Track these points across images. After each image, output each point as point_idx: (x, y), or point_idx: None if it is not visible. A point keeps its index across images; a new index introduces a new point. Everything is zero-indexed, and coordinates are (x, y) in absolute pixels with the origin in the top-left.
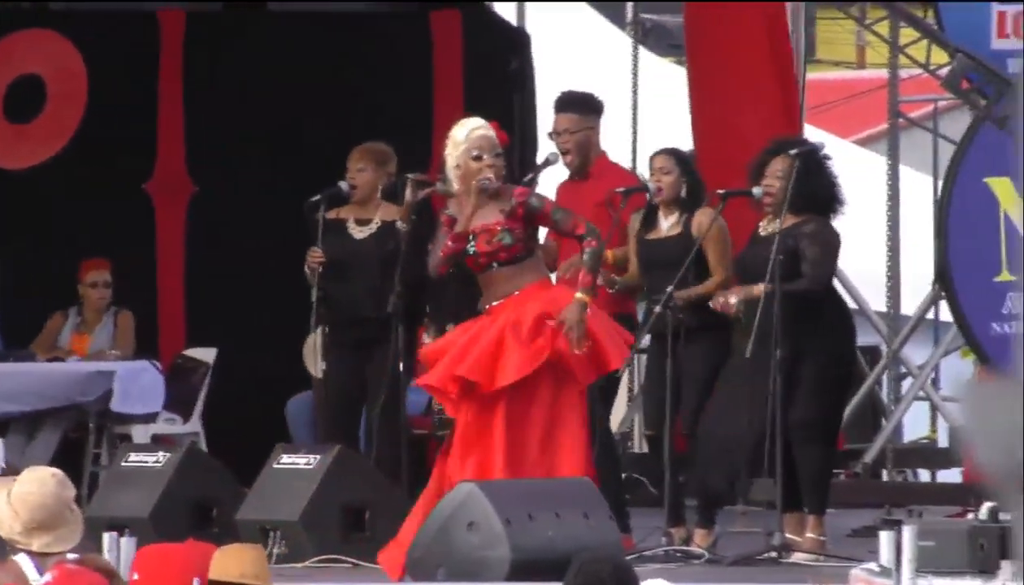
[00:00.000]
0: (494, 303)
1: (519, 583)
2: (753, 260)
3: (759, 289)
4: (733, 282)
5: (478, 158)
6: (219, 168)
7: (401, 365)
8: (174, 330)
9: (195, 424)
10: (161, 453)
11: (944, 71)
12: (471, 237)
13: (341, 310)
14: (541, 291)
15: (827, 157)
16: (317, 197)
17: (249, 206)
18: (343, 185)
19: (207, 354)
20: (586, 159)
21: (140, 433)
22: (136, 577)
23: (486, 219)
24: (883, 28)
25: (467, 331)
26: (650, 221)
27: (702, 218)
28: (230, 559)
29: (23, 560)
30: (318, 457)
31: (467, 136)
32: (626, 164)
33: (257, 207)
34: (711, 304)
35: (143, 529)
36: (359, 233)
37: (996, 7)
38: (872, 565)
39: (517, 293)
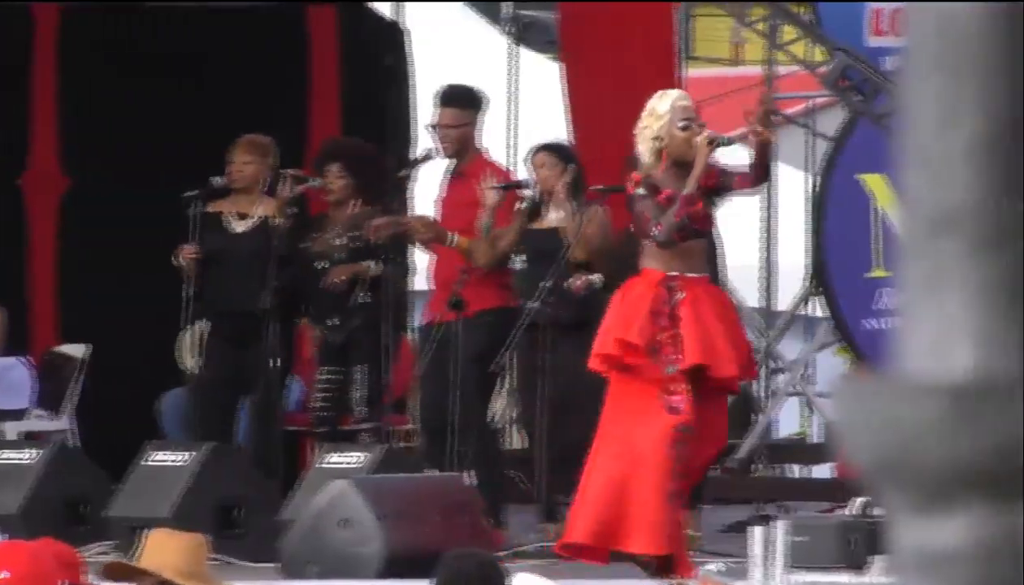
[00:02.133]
0: (690, 274)
1: (391, 580)
2: (627, 254)
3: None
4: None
5: (686, 128)
6: (93, 163)
7: (278, 360)
8: (46, 325)
9: (67, 420)
10: (31, 450)
11: (822, 69)
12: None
13: (218, 304)
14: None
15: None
16: (193, 192)
17: (123, 201)
18: (216, 180)
19: (79, 350)
20: (464, 155)
21: (10, 430)
22: (7, 576)
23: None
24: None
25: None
26: (536, 214)
27: (590, 225)
28: (167, 551)
29: None
30: (191, 453)
31: (671, 105)
32: (504, 160)
33: (131, 202)
34: (568, 284)
35: (14, 526)
36: (238, 227)
37: (871, 5)
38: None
39: (705, 274)
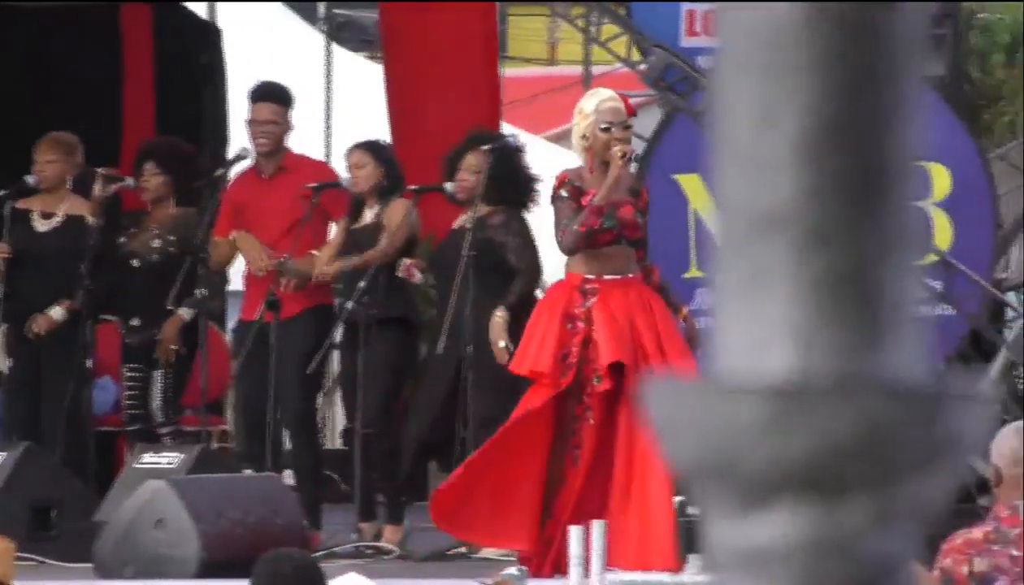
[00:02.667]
0: (607, 276)
1: (207, 581)
2: (447, 254)
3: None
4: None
5: (607, 130)
6: None
7: (88, 360)
8: None
9: None
10: None
11: (641, 67)
12: (611, 208)
13: (24, 304)
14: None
15: (521, 151)
16: (4, 191)
17: None
18: (29, 178)
19: None
20: (279, 152)
21: None
22: None
23: (619, 194)
24: (583, 23)
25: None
26: (356, 213)
27: (393, 209)
28: None
29: None
30: (3, 454)
31: (596, 107)
32: (320, 158)
33: None
34: (398, 271)
35: None
36: (42, 226)
37: (685, 6)
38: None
39: (631, 276)
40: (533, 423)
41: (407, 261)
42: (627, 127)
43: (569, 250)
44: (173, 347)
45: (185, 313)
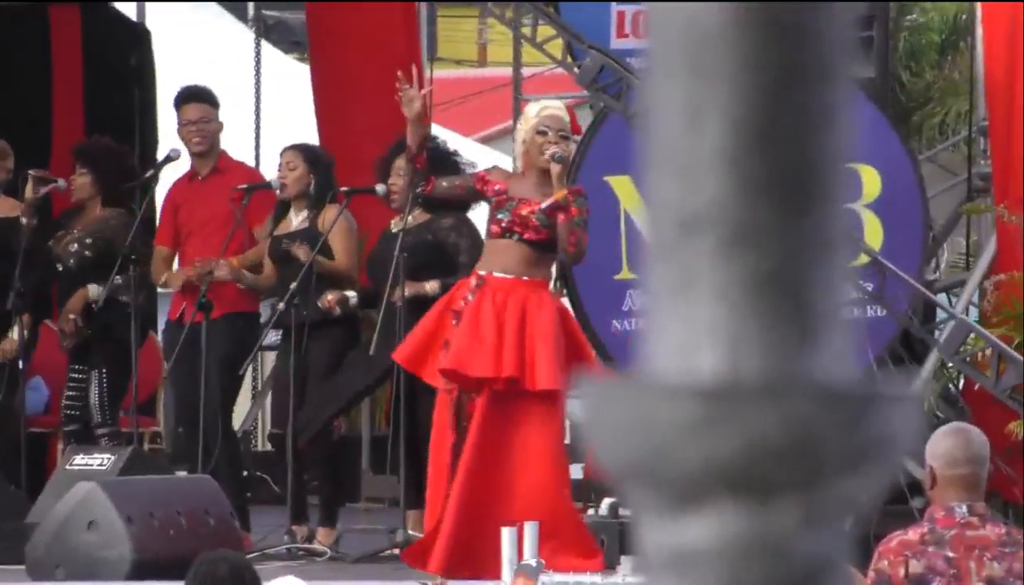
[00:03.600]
0: (497, 273)
1: (140, 582)
2: (383, 256)
3: (430, 286)
4: (351, 276)
5: (543, 133)
6: None
7: (20, 361)
8: None
9: None
10: None
11: (575, 69)
12: (511, 202)
13: None
14: (559, 307)
15: (454, 151)
16: None
17: None
18: None
19: None
20: (213, 153)
21: None
22: None
23: (532, 195)
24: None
25: (477, 314)
26: (281, 217)
27: (328, 214)
28: None
29: None
30: None
31: (538, 112)
32: (250, 161)
33: None
34: (319, 302)
35: None
36: None
37: (615, 7)
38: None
39: (526, 279)
40: (439, 435)
41: (330, 297)
42: (564, 137)
43: (418, 197)
44: (72, 316)
45: (92, 290)
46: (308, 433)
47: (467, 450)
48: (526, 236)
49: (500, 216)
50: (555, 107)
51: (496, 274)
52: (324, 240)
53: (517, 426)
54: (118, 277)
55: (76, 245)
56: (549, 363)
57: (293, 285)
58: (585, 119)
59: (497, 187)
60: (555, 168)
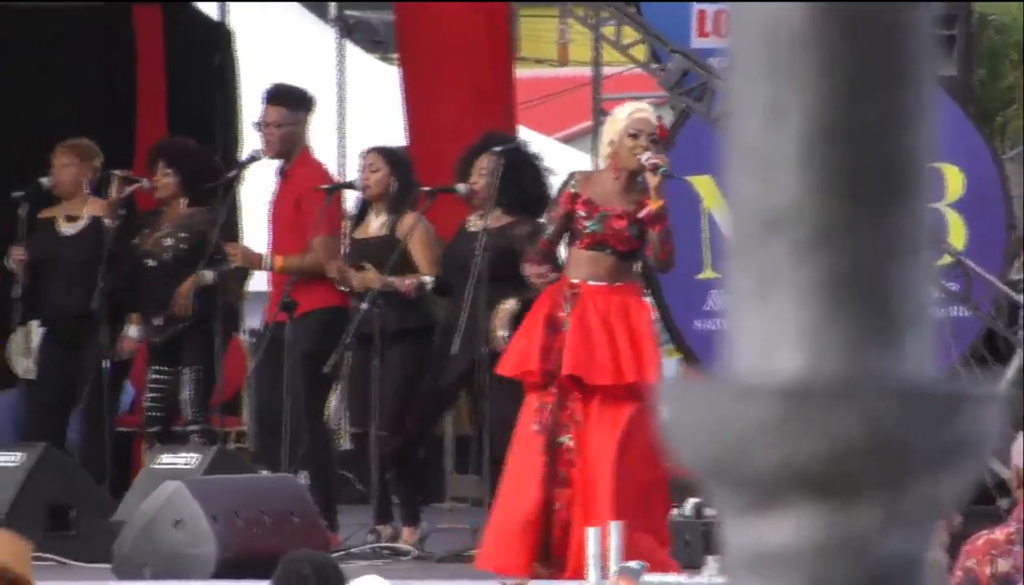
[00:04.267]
0: (591, 282)
1: (225, 581)
2: (459, 255)
3: (510, 305)
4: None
5: (634, 136)
6: None
7: (107, 362)
8: None
9: None
10: None
11: (660, 72)
12: (601, 214)
13: (48, 307)
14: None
15: (535, 155)
16: (20, 193)
17: None
18: (44, 181)
19: None
20: (290, 155)
21: None
22: None
23: (624, 204)
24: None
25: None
26: (360, 219)
27: (410, 221)
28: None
29: None
30: (22, 454)
31: (628, 115)
32: (332, 160)
33: None
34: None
35: None
36: (67, 230)
37: (696, 6)
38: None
39: (619, 285)
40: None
41: (407, 281)
42: (654, 141)
43: (540, 250)
44: (183, 302)
45: (207, 275)
46: (404, 439)
47: (585, 453)
48: (618, 248)
49: (591, 229)
50: (645, 110)
51: (590, 282)
52: (404, 249)
53: (625, 426)
54: (208, 273)
55: (170, 239)
56: (656, 362)
57: (374, 289)
58: (666, 119)
59: (584, 199)
60: (654, 179)
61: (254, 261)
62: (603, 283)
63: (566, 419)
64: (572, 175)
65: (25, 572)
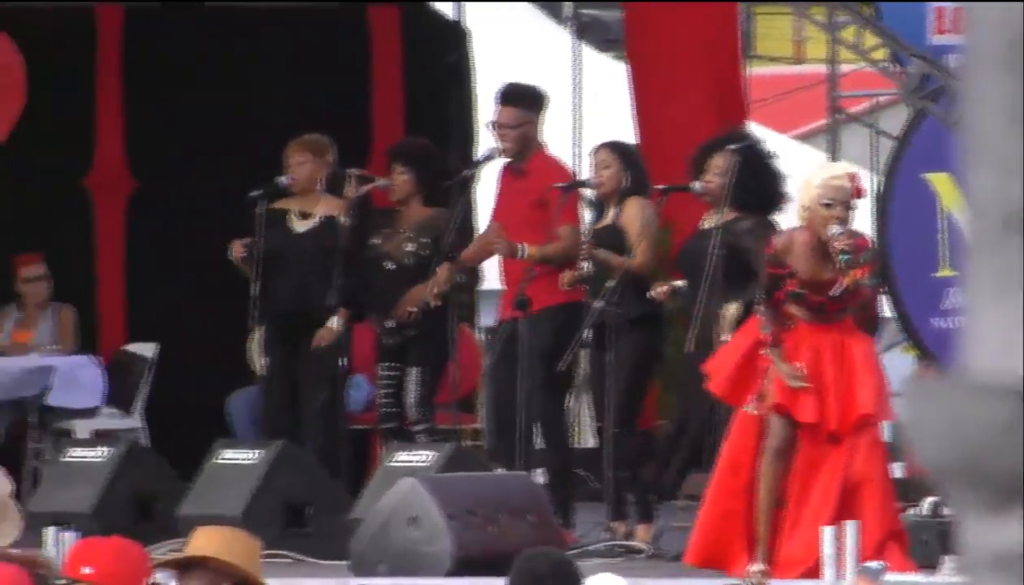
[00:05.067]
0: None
1: (461, 578)
2: (693, 253)
3: (733, 308)
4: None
5: (828, 206)
6: (159, 163)
7: (344, 359)
8: (114, 325)
9: (137, 419)
10: (103, 448)
11: (895, 70)
12: (798, 294)
13: (278, 304)
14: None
15: (770, 153)
16: (257, 192)
17: (189, 201)
18: (282, 179)
19: (148, 349)
20: (524, 154)
21: (82, 428)
22: (89, 571)
23: (824, 271)
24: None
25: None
26: (598, 214)
27: (632, 208)
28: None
29: None
30: (260, 452)
31: (822, 182)
32: (568, 158)
33: (197, 202)
34: (649, 293)
35: (85, 524)
36: (300, 226)
37: (934, 4)
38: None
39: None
40: (735, 454)
41: (660, 289)
42: (850, 208)
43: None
44: (436, 291)
45: (457, 264)
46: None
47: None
48: (826, 307)
49: (795, 296)
50: (839, 177)
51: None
52: (624, 236)
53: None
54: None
55: (411, 244)
56: (873, 389)
57: (610, 283)
58: (903, 115)
59: (787, 270)
60: (840, 261)
61: (512, 250)
62: (815, 324)
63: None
64: (777, 241)
65: (254, 571)
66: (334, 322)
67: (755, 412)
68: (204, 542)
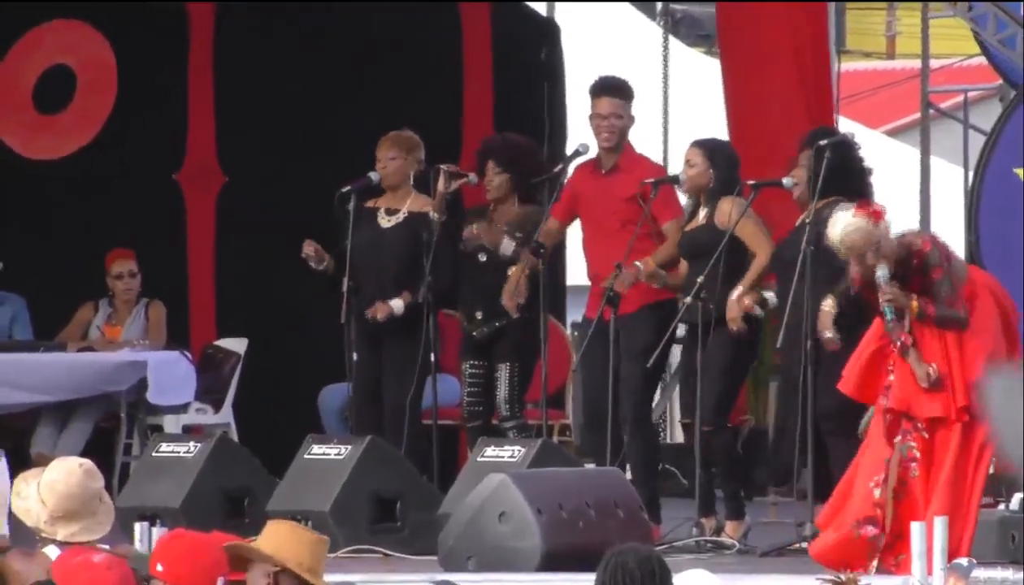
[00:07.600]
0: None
1: (550, 573)
2: (787, 249)
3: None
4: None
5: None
6: (250, 158)
7: (432, 354)
8: (205, 320)
9: (226, 414)
10: (192, 443)
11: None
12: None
13: (367, 299)
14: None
15: (858, 148)
16: (348, 188)
17: (279, 196)
18: (373, 175)
19: (238, 344)
20: (619, 146)
21: (171, 423)
22: (160, 568)
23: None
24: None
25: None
26: (692, 213)
27: (727, 207)
28: (287, 540)
29: (52, 552)
30: (349, 447)
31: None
32: (657, 155)
33: (287, 197)
34: (737, 303)
35: (174, 519)
36: (387, 222)
37: None
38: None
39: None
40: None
41: (747, 301)
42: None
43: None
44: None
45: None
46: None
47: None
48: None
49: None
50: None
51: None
52: (732, 234)
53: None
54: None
55: (510, 239)
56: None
57: (699, 279)
58: (995, 111)
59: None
60: (884, 315)
61: (633, 277)
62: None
63: (910, 427)
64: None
65: (303, 568)
66: (395, 303)
67: (887, 404)
68: (264, 537)
